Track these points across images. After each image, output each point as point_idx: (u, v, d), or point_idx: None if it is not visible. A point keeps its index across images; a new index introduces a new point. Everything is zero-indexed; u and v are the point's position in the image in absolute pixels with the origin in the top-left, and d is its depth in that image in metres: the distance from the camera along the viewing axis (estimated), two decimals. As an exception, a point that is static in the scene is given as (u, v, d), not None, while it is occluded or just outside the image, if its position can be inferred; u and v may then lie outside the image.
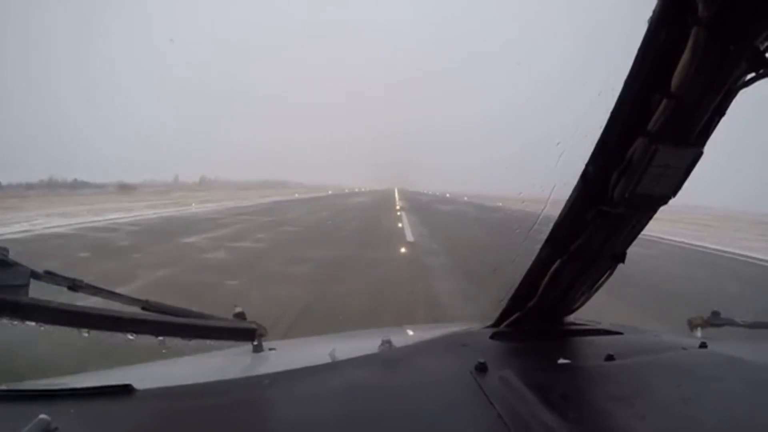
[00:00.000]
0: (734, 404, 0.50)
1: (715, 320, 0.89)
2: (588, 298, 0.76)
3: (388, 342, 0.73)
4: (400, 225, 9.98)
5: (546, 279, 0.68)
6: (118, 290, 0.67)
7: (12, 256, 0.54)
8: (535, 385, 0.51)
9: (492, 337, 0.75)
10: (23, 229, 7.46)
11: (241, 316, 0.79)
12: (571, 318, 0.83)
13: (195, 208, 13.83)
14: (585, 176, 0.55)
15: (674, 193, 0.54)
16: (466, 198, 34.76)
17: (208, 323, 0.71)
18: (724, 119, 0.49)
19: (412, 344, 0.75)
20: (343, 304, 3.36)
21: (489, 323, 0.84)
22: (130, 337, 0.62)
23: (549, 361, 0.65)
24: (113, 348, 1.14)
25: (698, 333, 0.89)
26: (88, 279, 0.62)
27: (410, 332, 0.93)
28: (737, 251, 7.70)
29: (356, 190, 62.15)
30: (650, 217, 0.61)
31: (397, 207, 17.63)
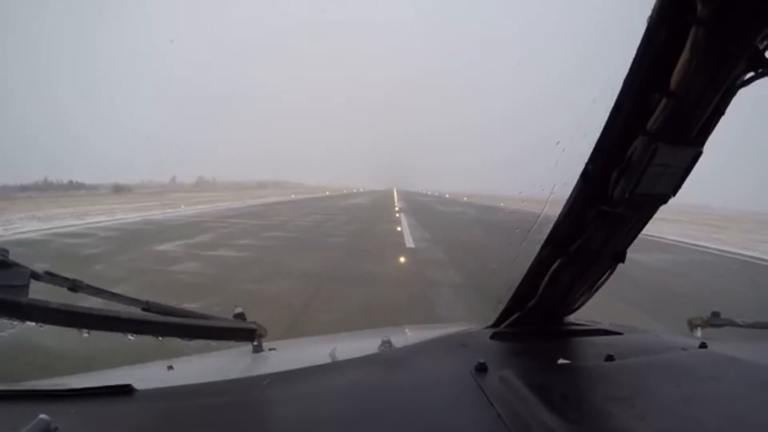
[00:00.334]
0: (734, 404, 0.49)
1: (715, 320, 0.89)
2: (588, 298, 0.76)
3: (388, 342, 0.73)
4: (399, 228, 9.79)
5: (546, 279, 0.68)
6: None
7: (12, 256, 0.54)
8: (535, 385, 0.51)
9: (492, 337, 0.75)
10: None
11: (241, 316, 0.79)
12: (571, 318, 0.83)
13: (184, 210, 13.55)
14: (585, 176, 0.55)
15: (674, 192, 0.55)
16: (465, 198, 34.59)
17: (208, 324, 0.71)
18: (723, 118, 0.49)
19: (412, 344, 0.75)
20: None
21: (489, 323, 0.83)
22: (131, 337, 0.62)
23: (549, 361, 0.65)
24: (113, 348, 1.14)
25: (698, 333, 0.89)
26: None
27: (410, 332, 0.93)
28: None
29: (354, 191, 61.73)
30: (650, 217, 0.61)
31: (396, 208, 17.57)
